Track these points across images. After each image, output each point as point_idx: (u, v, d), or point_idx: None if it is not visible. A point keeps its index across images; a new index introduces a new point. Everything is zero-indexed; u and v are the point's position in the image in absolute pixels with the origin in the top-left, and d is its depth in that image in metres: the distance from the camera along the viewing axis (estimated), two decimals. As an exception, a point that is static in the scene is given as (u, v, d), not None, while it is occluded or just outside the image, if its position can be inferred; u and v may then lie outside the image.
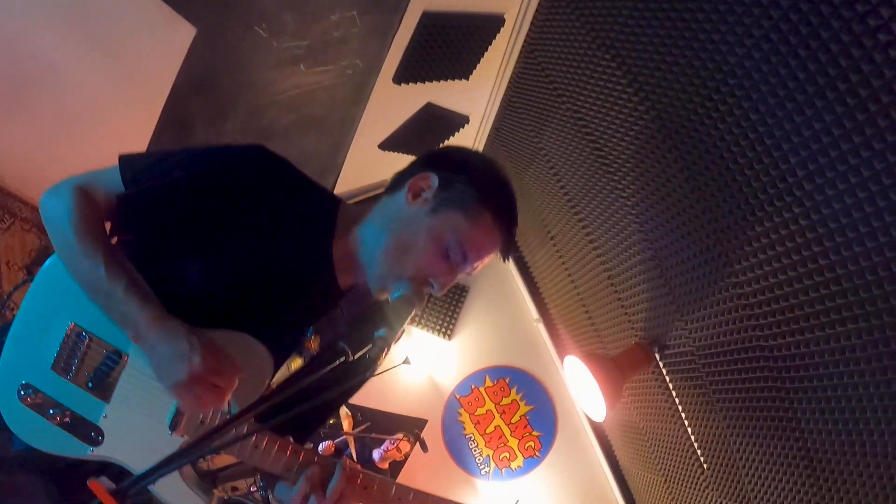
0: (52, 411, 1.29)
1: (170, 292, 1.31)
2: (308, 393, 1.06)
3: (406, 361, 5.96)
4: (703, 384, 3.32)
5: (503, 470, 5.98)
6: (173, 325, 1.22)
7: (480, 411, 6.05)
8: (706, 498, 3.93)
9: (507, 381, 6.07)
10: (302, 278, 1.41)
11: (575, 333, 5.15)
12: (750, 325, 2.69)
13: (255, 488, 3.98)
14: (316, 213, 1.45)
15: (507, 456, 5.99)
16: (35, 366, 1.32)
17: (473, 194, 1.42)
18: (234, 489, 4.14)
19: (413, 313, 1.26)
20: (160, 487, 1.29)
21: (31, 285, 1.34)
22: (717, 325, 2.93)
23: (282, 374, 1.43)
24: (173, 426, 1.30)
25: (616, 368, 3.43)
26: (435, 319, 6.15)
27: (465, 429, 6.05)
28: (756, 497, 3.28)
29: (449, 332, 6.15)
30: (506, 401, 6.04)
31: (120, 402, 1.32)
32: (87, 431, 1.30)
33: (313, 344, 1.45)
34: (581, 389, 3.65)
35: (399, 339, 1.18)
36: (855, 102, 1.81)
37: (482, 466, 6.00)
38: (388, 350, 1.16)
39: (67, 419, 1.30)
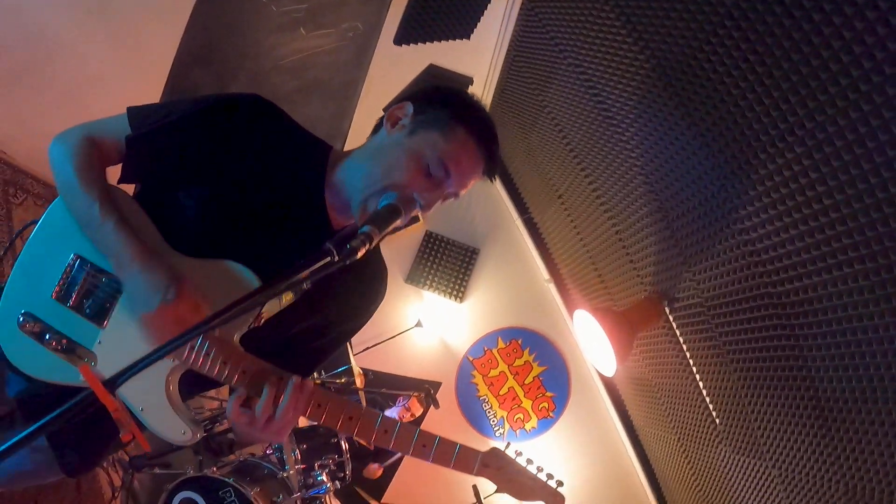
0: (48, 336, 1.36)
1: (172, 224, 1.42)
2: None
3: (418, 324, 5.99)
4: (713, 336, 3.31)
5: (517, 431, 6.02)
6: (157, 262, 1.31)
7: (494, 373, 6.09)
8: (719, 453, 3.94)
9: (519, 342, 6.09)
10: (294, 213, 1.47)
11: (585, 291, 5.15)
12: (757, 272, 2.67)
13: (271, 451, 4.04)
14: (308, 154, 1.54)
15: (522, 417, 6.02)
16: (37, 294, 1.39)
17: (447, 113, 1.50)
18: (252, 454, 4.20)
19: (398, 221, 1.32)
20: (149, 416, 1.32)
21: (40, 221, 1.44)
22: (725, 275, 2.92)
23: (273, 305, 1.47)
24: None
25: (626, 322, 3.43)
26: (446, 282, 6.16)
27: (478, 391, 6.08)
28: (769, 450, 3.28)
29: (460, 294, 6.15)
30: (519, 362, 6.07)
31: (114, 329, 1.38)
32: (82, 357, 1.37)
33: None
34: (591, 344, 3.65)
35: (382, 239, 1.26)
36: (851, 36, 1.79)
37: (497, 428, 6.04)
38: (371, 245, 1.20)
39: (64, 344, 1.36)
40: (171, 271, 1.31)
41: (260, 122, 1.50)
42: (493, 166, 1.56)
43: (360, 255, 1.17)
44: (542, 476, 1.57)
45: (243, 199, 1.46)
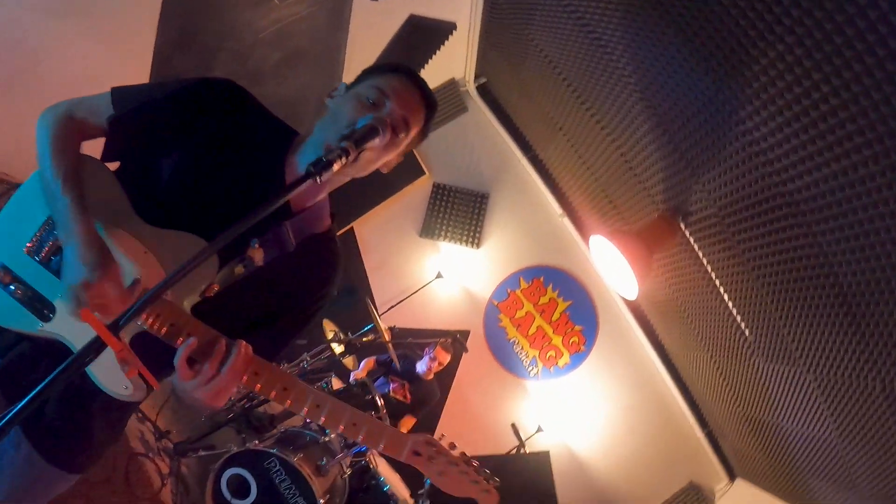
0: (13, 287, 1.48)
1: (143, 195, 1.52)
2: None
3: (439, 276, 5.99)
4: (732, 245, 3.28)
5: (551, 368, 6.05)
6: (97, 242, 1.39)
7: (520, 314, 6.10)
8: (752, 365, 3.94)
9: (541, 280, 6.09)
10: (255, 192, 1.56)
11: (599, 219, 5.12)
12: (766, 172, 2.63)
13: (311, 420, 4.07)
14: (273, 137, 1.64)
15: (553, 354, 6.05)
16: (11, 248, 1.51)
17: (371, 71, 1.64)
18: (293, 425, 4.26)
19: (375, 141, 1.40)
20: (95, 369, 1.39)
21: (22, 185, 1.57)
22: (734, 180, 2.88)
23: (225, 277, 1.51)
24: None
25: (642, 242, 3.41)
26: (460, 230, 6.15)
27: (507, 334, 6.11)
28: (801, 355, 3.28)
29: (476, 240, 6.15)
30: (543, 300, 6.08)
31: None
32: (41, 308, 1.46)
33: (256, 255, 1.53)
34: (610, 269, 3.63)
35: (356, 161, 1.35)
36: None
37: (530, 368, 6.07)
38: (346, 161, 1.28)
39: (29, 294, 1.47)
40: (105, 257, 1.38)
41: (230, 106, 1.60)
42: (425, 90, 1.64)
43: (335, 168, 1.24)
44: (477, 473, 1.49)
45: (209, 176, 1.56)
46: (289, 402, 1.41)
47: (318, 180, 1.23)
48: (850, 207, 2.33)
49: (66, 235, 1.40)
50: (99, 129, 1.56)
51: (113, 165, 1.60)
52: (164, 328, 1.37)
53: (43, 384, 0.98)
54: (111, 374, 1.40)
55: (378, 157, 1.54)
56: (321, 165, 1.23)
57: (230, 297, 1.53)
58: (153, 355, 1.37)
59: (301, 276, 1.65)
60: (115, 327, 1.04)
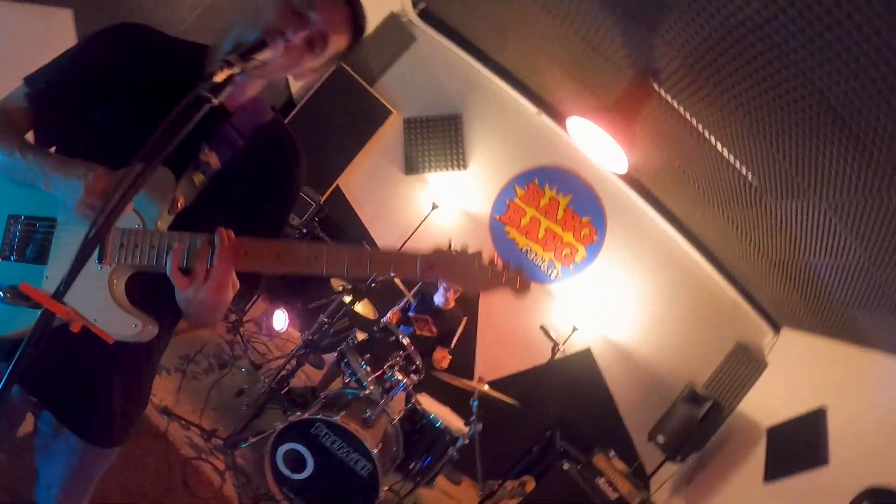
0: (0, 295, 1.49)
1: (89, 155, 1.50)
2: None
3: (434, 207, 5.92)
4: (709, 91, 3.20)
5: (570, 266, 6.02)
6: (72, 162, 1.43)
7: (525, 221, 6.05)
8: (765, 208, 3.88)
9: (535, 182, 6.02)
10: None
11: (575, 104, 5.01)
12: (720, 3, 2.53)
13: (349, 379, 4.10)
14: (186, 59, 1.60)
15: (569, 252, 6.01)
16: None
17: None
18: (331, 391, 4.28)
19: (266, 53, 1.34)
20: (101, 324, 1.34)
21: None
22: (691, 22, 2.78)
23: (187, 189, 1.53)
24: (101, 258, 1.45)
25: (618, 111, 3.34)
26: (443, 157, 6.09)
27: (518, 244, 6.07)
28: (810, 185, 3.22)
29: (461, 162, 6.08)
30: (543, 201, 6.01)
31: (55, 260, 1.50)
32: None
33: (211, 158, 1.55)
34: (596, 148, 3.57)
35: (247, 68, 1.28)
36: None
37: (549, 271, 6.04)
38: (231, 72, 1.24)
39: (17, 292, 1.45)
40: (86, 163, 1.42)
41: (136, 45, 1.59)
42: (360, 19, 1.58)
43: (218, 77, 1.21)
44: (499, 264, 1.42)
45: (141, 115, 1.52)
46: (287, 265, 1.41)
47: (213, 100, 1.20)
48: (815, 15, 2.24)
49: (46, 178, 1.45)
50: (25, 118, 1.58)
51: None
52: (147, 254, 1.40)
53: (21, 349, 1.05)
54: (117, 321, 1.43)
55: (288, 64, 1.49)
56: (205, 79, 1.21)
57: (204, 207, 1.55)
58: (155, 291, 1.44)
59: (265, 163, 1.66)
60: (58, 294, 1.09)
